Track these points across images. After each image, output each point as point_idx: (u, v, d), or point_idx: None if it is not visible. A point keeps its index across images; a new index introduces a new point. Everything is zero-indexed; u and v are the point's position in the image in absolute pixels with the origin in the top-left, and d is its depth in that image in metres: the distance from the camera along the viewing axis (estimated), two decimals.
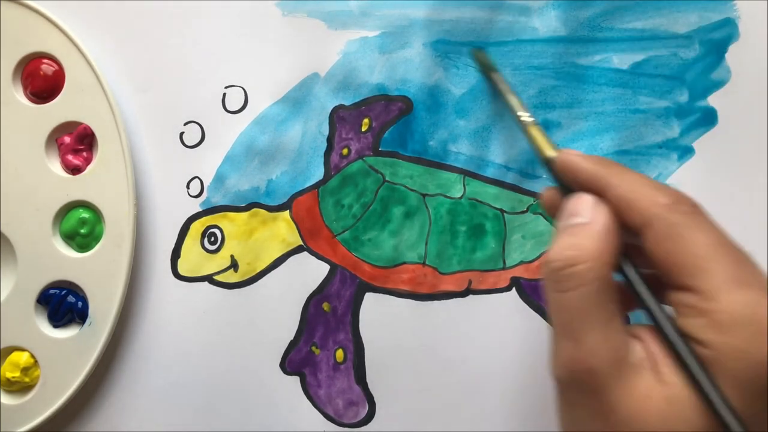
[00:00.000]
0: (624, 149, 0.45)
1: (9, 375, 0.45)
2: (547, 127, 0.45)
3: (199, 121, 0.47)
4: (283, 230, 0.47)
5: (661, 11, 0.44)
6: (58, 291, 0.46)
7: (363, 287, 0.46)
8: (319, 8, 0.46)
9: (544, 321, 0.45)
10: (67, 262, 0.46)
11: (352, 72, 0.46)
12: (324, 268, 0.47)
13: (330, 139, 0.46)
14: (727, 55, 0.44)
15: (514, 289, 0.45)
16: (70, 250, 0.46)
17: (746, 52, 0.44)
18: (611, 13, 0.45)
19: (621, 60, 0.45)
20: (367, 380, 0.46)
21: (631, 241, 0.32)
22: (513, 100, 0.41)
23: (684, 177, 0.45)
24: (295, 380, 0.47)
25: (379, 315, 0.46)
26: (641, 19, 0.44)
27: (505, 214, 0.46)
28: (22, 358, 0.46)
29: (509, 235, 0.45)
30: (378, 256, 0.46)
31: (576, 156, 0.34)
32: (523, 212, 0.46)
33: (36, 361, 0.46)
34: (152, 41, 0.47)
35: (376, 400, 0.46)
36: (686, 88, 0.44)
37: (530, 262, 0.45)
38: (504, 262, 0.46)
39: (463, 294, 0.46)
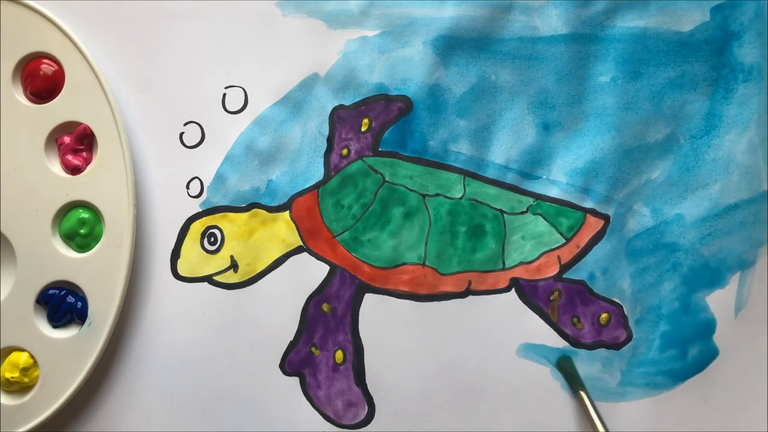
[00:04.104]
0: (625, 149, 0.45)
1: (8, 375, 0.45)
2: (547, 127, 0.45)
3: (199, 121, 0.47)
4: (282, 231, 0.47)
5: (663, 9, 0.44)
6: (57, 291, 0.46)
7: (362, 288, 0.46)
8: (318, 8, 0.46)
9: (543, 321, 0.45)
10: (66, 262, 0.46)
11: (352, 72, 0.46)
12: (324, 269, 0.46)
13: (330, 140, 0.46)
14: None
15: (513, 289, 0.45)
16: (69, 251, 0.46)
17: None
18: (613, 12, 0.44)
19: (622, 59, 0.44)
20: (367, 381, 0.46)
21: None
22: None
23: None
24: (295, 381, 0.46)
25: (378, 316, 0.46)
26: (643, 18, 0.44)
27: (504, 214, 0.45)
28: (22, 358, 0.45)
29: (509, 235, 0.45)
30: (378, 257, 0.46)
31: None
32: (522, 213, 0.45)
33: (35, 362, 0.46)
34: (152, 41, 0.47)
35: (375, 401, 0.46)
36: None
37: (530, 262, 0.45)
38: (503, 263, 0.45)
39: (462, 295, 0.45)
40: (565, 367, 0.45)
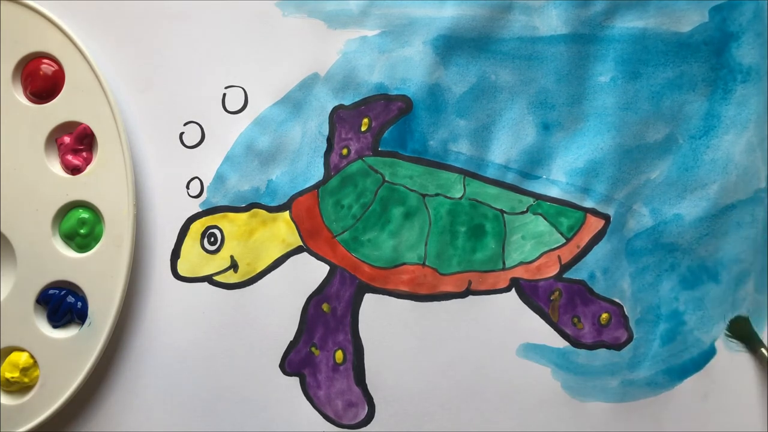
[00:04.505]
0: (625, 149, 0.45)
1: (8, 375, 0.45)
2: (547, 127, 0.45)
3: (199, 121, 0.47)
4: (282, 231, 0.47)
5: (663, 10, 0.44)
6: (57, 291, 0.46)
7: (362, 288, 0.46)
8: (318, 8, 0.46)
9: (543, 321, 0.45)
10: (66, 262, 0.46)
11: (352, 72, 0.46)
12: (324, 269, 0.46)
13: (330, 139, 0.46)
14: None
15: (513, 289, 0.45)
16: (69, 251, 0.46)
17: None
18: (612, 12, 0.44)
19: (622, 59, 0.44)
20: (367, 381, 0.46)
21: None
22: None
23: None
24: (295, 381, 0.46)
25: (378, 316, 0.46)
26: (643, 18, 0.44)
27: (504, 214, 0.45)
28: (22, 358, 0.45)
29: (509, 235, 0.45)
30: (377, 257, 0.46)
31: None
32: (522, 213, 0.45)
33: (35, 362, 0.46)
34: (152, 41, 0.47)
35: (375, 401, 0.46)
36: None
37: (530, 262, 0.45)
38: (503, 263, 0.45)
39: (462, 295, 0.46)
40: (740, 329, 0.45)
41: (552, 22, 0.45)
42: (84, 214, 0.46)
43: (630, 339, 0.45)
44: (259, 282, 0.47)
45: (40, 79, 0.46)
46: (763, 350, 0.44)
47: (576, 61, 0.45)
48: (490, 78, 0.45)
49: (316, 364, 0.46)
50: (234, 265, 0.47)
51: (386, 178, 0.46)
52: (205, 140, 0.47)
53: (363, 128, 0.46)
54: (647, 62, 0.44)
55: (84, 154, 0.46)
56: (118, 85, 0.47)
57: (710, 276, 0.45)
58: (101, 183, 0.45)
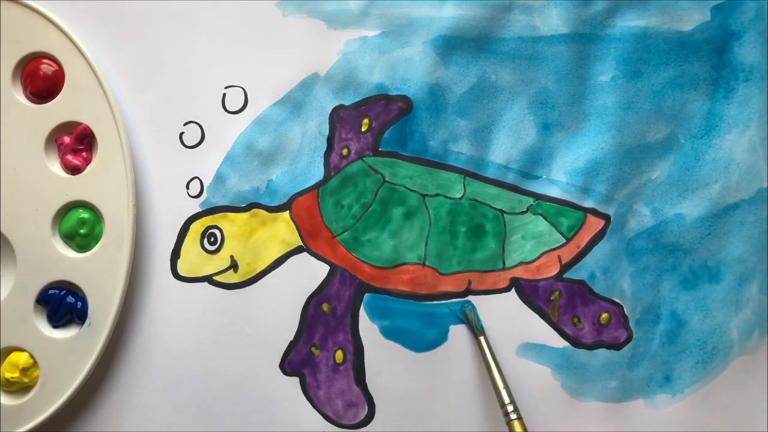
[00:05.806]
0: (626, 148, 0.44)
1: (8, 375, 0.45)
2: (547, 127, 0.45)
3: (199, 121, 0.47)
4: (282, 231, 0.47)
5: (664, 9, 0.44)
6: (57, 291, 0.46)
7: (363, 288, 0.46)
8: (318, 8, 0.46)
9: (543, 321, 0.45)
10: (66, 262, 0.46)
11: (352, 72, 0.46)
12: (324, 269, 0.46)
13: (330, 140, 0.46)
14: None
15: (513, 289, 0.45)
16: (69, 251, 0.46)
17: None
18: (613, 11, 0.44)
19: (623, 58, 0.44)
20: (367, 381, 0.46)
21: None
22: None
23: None
24: (295, 381, 0.46)
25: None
26: (644, 17, 0.44)
27: (504, 214, 0.45)
28: (22, 358, 0.45)
29: (509, 235, 0.45)
30: (378, 257, 0.46)
31: None
32: (522, 213, 0.45)
33: (35, 362, 0.46)
34: (152, 41, 0.47)
35: (375, 401, 0.46)
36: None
37: (530, 262, 0.45)
38: (503, 263, 0.45)
39: (462, 294, 0.45)
40: (467, 314, 0.45)
41: (552, 21, 0.44)
42: (84, 214, 0.46)
43: (630, 339, 0.45)
44: (259, 282, 0.47)
45: (40, 79, 0.46)
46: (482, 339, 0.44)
47: (577, 60, 0.45)
48: (490, 78, 0.45)
49: (316, 364, 0.46)
50: (234, 265, 0.47)
51: (386, 178, 0.46)
52: (205, 140, 0.47)
53: (363, 128, 0.46)
54: (648, 61, 0.44)
55: (84, 154, 0.46)
56: (118, 85, 0.47)
57: (712, 276, 0.45)
58: (101, 183, 0.45)
